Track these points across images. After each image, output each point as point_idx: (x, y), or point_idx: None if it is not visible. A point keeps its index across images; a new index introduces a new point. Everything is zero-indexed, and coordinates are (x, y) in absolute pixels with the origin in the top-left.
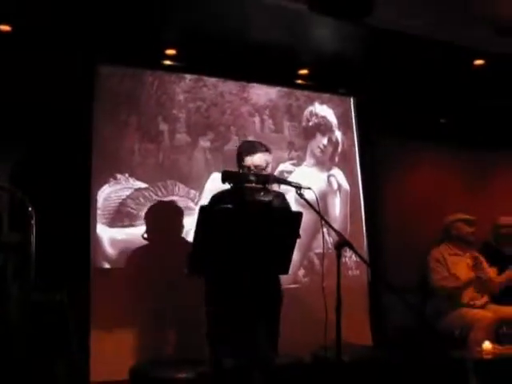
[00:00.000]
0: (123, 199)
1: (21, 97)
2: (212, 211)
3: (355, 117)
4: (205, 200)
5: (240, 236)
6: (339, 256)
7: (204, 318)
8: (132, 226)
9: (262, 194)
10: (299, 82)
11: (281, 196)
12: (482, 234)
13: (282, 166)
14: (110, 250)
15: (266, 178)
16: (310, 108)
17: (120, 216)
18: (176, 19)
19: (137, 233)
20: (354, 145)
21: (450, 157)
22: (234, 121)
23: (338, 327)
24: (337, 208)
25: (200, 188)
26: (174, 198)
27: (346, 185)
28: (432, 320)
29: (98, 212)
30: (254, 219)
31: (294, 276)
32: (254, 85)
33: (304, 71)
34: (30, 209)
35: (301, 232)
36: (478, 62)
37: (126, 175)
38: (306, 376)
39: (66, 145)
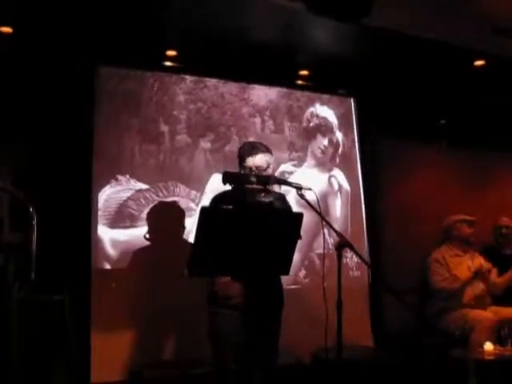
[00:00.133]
0: (124, 200)
1: (22, 98)
2: (213, 212)
3: (356, 117)
4: (206, 201)
5: (241, 237)
6: (340, 257)
7: (205, 318)
8: (133, 227)
9: (262, 195)
10: (300, 82)
11: (282, 198)
12: (483, 235)
13: (283, 167)
14: (110, 250)
15: (266, 179)
16: (311, 109)
17: (121, 217)
18: (177, 20)
19: (138, 234)
20: (355, 145)
21: (451, 157)
22: (234, 122)
23: (339, 328)
24: (337, 209)
25: (201, 189)
26: (175, 198)
27: (346, 185)
28: (433, 321)
29: (99, 213)
30: (254, 220)
31: (294, 277)
32: (255, 86)
33: (304, 72)
34: (31, 209)
35: (301, 233)
36: (478, 62)
37: (127, 176)
38: (306, 377)
39: (66, 146)
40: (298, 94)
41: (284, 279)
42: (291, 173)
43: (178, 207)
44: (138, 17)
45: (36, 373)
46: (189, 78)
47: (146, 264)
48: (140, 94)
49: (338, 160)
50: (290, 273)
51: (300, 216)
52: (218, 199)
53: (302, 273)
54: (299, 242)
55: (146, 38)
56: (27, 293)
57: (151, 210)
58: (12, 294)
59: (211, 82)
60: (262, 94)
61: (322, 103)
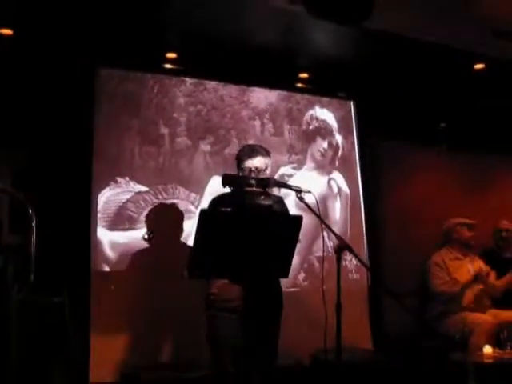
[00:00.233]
0: (123, 202)
1: (22, 100)
2: (212, 214)
3: (355, 120)
4: (205, 203)
5: (240, 239)
6: (339, 259)
7: (204, 321)
8: (132, 229)
9: (262, 197)
10: (299, 85)
11: (280, 201)
12: (483, 238)
13: (283, 170)
14: (110, 253)
15: (266, 182)
16: (311, 112)
17: (120, 219)
18: (177, 23)
19: (137, 236)
20: (355, 148)
21: (451, 160)
22: (234, 124)
23: (338, 330)
24: (337, 211)
25: (200, 191)
26: (175, 201)
27: (346, 188)
28: (432, 324)
29: (99, 215)
30: (254, 223)
31: (294, 279)
32: (255, 88)
33: (304, 75)
34: (30, 211)
35: (301, 236)
36: (478, 65)
37: (127, 178)
38: (305, 379)
39: (66, 148)
40: (298, 96)
41: (283, 282)
42: (291, 176)
43: (177, 209)
44: (139, 19)
45: (35, 375)
46: (189, 80)
47: (145, 266)
48: (140, 96)
49: (337, 163)
50: (290, 275)
51: (299, 219)
52: (217, 201)
53: (302, 275)
54: (298, 244)
55: (146, 39)
56: (26, 295)
57: (150, 211)
58: (11, 296)
59: (211, 84)
60: (262, 97)
61: (322, 106)
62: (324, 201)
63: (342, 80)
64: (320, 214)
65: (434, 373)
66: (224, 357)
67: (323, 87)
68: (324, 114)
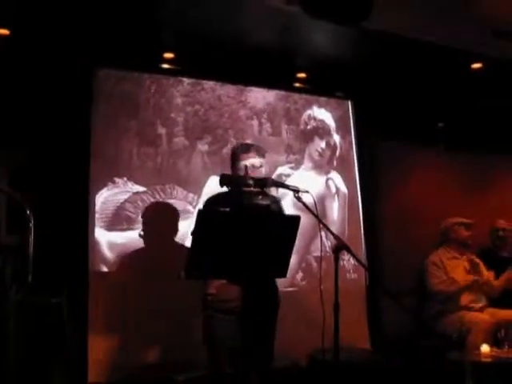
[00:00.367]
0: (121, 203)
1: (20, 100)
2: (210, 215)
3: (353, 120)
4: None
5: (238, 239)
6: (337, 259)
7: (201, 321)
8: (130, 229)
9: (260, 197)
10: (297, 85)
11: (277, 201)
12: (483, 238)
13: (280, 170)
14: (108, 253)
15: (264, 182)
16: (308, 111)
17: (118, 220)
18: (174, 23)
19: (135, 236)
20: (352, 148)
21: (449, 160)
22: (231, 124)
23: (336, 330)
24: (335, 211)
25: (198, 191)
26: (173, 201)
27: (344, 188)
28: (430, 323)
29: (96, 215)
30: (252, 223)
31: (291, 279)
32: (252, 88)
33: (302, 75)
34: (28, 211)
35: (299, 235)
36: (476, 65)
37: (125, 179)
38: (303, 379)
39: (64, 148)
40: (296, 96)
41: (281, 282)
42: (288, 175)
43: (175, 209)
44: (136, 19)
45: (34, 375)
46: (186, 80)
47: (143, 266)
48: (137, 96)
49: (335, 163)
50: (287, 275)
51: (297, 219)
52: (212, 201)
53: (300, 275)
54: (296, 244)
55: (143, 40)
56: (24, 295)
57: (148, 210)
58: (9, 297)
59: (208, 84)
60: (260, 97)
61: (320, 106)
62: (322, 201)
63: (339, 80)
64: (318, 214)
65: (431, 372)
66: (221, 358)
67: (321, 87)
68: (322, 114)
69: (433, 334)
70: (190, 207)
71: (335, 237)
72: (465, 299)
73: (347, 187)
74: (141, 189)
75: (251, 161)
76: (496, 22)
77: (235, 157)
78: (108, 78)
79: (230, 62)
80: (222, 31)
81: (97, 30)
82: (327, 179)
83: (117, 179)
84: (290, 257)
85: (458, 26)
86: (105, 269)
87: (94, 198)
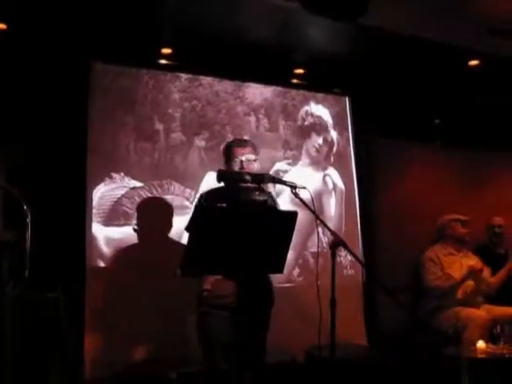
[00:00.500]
0: (118, 198)
1: (16, 95)
2: (207, 210)
3: (350, 116)
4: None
5: (235, 235)
6: (334, 255)
7: (196, 318)
8: (127, 224)
9: (257, 193)
10: (295, 81)
11: (272, 196)
12: (479, 235)
13: (278, 166)
14: (105, 248)
15: (261, 178)
16: (306, 107)
17: (115, 215)
18: (172, 18)
19: (132, 232)
20: (350, 144)
21: (446, 157)
22: (229, 120)
23: (333, 326)
24: (332, 207)
25: (195, 187)
26: (170, 197)
27: (341, 184)
28: (426, 319)
29: (94, 211)
30: (249, 218)
31: (288, 275)
32: (250, 84)
33: (299, 71)
34: (25, 207)
35: (296, 231)
36: (473, 62)
37: (122, 174)
38: (299, 375)
39: (61, 143)
40: (293, 92)
41: (278, 277)
42: (286, 171)
43: (169, 204)
44: (134, 14)
45: (31, 370)
46: (184, 75)
47: (141, 262)
48: (135, 92)
49: (332, 159)
50: (284, 271)
51: (294, 214)
52: (205, 197)
53: (296, 271)
54: (293, 240)
55: (141, 35)
56: (21, 290)
57: (144, 204)
58: (6, 292)
59: (206, 80)
60: (257, 93)
61: (317, 102)
62: (319, 197)
63: (337, 76)
64: (315, 210)
65: (427, 368)
66: (216, 354)
67: (318, 83)
68: (319, 110)
69: (429, 330)
70: (187, 203)
71: (332, 233)
72: (461, 295)
73: (344, 183)
74: (138, 184)
75: (247, 156)
76: (492, 20)
77: (230, 151)
78: (105, 73)
79: (228, 58)
80: (219, 27)
81: (94, 25)
82: (324, 175)
83: (114, 174)
84: (287, 253)
85: (454, 23)
86: (102, 264)
87: (91, 194)
